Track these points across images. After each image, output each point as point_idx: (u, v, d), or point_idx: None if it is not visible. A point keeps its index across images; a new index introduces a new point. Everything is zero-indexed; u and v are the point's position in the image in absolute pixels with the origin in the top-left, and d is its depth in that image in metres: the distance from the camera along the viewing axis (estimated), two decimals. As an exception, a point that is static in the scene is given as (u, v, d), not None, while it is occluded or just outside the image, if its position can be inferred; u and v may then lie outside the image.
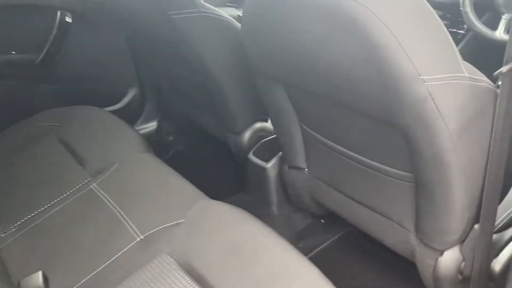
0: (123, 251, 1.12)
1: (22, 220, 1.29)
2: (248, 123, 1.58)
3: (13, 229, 1.27)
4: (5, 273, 1.13)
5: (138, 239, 1.13)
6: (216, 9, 1.35)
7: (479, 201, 0.93)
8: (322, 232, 1.58)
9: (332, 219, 1.54)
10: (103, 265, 1.10)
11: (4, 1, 1.61)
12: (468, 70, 0.82)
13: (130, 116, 2.00)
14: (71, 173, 1.41)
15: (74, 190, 1.34)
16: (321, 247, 1.54)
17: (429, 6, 0.80)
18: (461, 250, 1.03)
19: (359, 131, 1.05)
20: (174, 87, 1.83)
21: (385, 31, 0.77)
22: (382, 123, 0.94)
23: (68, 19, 1.74)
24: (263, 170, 1.51)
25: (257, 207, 1.49)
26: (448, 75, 0.79)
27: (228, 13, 1.47)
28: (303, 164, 1.35)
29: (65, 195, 1.33)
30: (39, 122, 1.66)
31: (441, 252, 1.04)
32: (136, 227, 1.16)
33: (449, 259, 1.04)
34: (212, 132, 1.76)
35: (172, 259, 1.04)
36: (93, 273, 1.09)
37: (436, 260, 1.06)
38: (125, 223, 1.18)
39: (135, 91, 2.01)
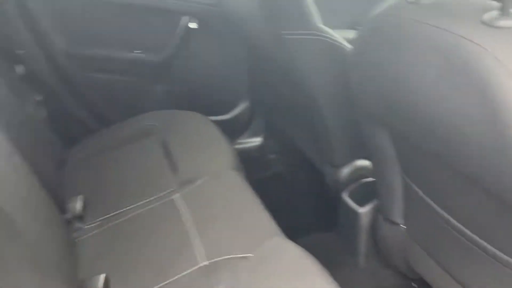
0: (184, 273, 1.06)
1: (105, 217, 1.31)
2: (348, 158, 1.45)
3: (95, 224, 1.30)
4: (75, 265, 1.15)
5: (202, 264, 1.07)
6: (333, 32, 1.24)
7: None
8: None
9: (426, 285, 1.34)
10: (162, 284, 1.06)
11: (133, 2, 1.68)
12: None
13: (236, 128, 1.98)
14: (161, 178, 1.41)
15: (157, 197, 1.33)
16: (408, 315, 1.34)
17: None
18: None
19: (472, 204, 0.86)
20: (282, 106, 1.76)
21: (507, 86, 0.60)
22: (500, 201, 0.75)
23: (192, 25, 1.76)
24: (355, 214, 1.36)
25: (342, 253, 1.35)
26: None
27: (348, 36, 1.35)
28: (399, 220, 1.18)
29: (148, 200, 1.33)
30: (147, 121, 1.71)
31: None
32: (204, 251, 1.10)
33: None
34: (311, 160, 1.65)
35: None
36: (150, 289, 1.05)
37: None
38: (194, 245, 1.13)
39: (245, 104, 1.98)
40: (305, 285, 0.95)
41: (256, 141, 2.04)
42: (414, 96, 0.80)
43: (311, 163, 1.66)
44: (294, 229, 1.21)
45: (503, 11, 0.66)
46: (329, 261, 1.05)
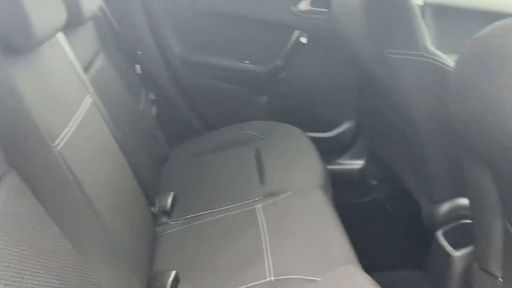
0: (249, 285, 1.05)
1: (190, 216, 1.35)
2: (449, 194, 1.31)
3: (180, 221, 1.35)
4: (151, 257, 1.20)
5: (268, 280, 1.05)
6: (442, 55, 1.14)
7: None
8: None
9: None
10: (225, 292, 1.05)
11: (246, 14, 1.73)
12: None
13: (337, 148, 1.92)
14: (248, 187, 1.42)
15: (241, 204, 1.34)
16: None
17: None
18: None
19: None
20: (385, 129, 1.67)
21: None
22: None
23: (303, 40, 1.76)
24: (448, 257, 1.22)
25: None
26: None
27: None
28: (497, 271, 1.03)
29: (232, 205, 1.34)
30: (246, 130, 1.74)
31: None
32: (273, 266, 1.08)
33: None
34: (409, 191, 1.53)
35: None
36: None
37: None
38: (265, 258, 1.10)
39: (350, 124, 1.92)
40: None
41: (357, 164, 1.95)
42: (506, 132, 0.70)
43: (409, 194, 1.55)
44: (379, 261, 1.13)
45: None
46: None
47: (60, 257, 0.83)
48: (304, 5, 1.75)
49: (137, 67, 1.76)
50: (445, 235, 1.28)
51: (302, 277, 1.03)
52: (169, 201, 1.38)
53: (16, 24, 0.85)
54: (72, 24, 1.20)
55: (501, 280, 1.04)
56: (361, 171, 1.95)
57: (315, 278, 1.01)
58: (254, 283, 1.05)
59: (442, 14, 1.63)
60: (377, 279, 1.01)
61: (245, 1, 1.76)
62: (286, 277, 1.04)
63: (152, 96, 1.85)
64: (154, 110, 1.83)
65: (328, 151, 1.81)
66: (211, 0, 1.79)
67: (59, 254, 0.84)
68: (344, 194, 1.76)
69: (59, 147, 0.90)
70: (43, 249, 0.79)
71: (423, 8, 1.72)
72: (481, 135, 0.82)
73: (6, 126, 0.82)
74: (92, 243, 0.95)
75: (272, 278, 1.05)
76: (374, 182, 1.95)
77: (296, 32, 1.75)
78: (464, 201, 1.30)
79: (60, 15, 1.05)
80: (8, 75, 0.84)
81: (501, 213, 0.95)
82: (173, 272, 1.10)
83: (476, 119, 0.81)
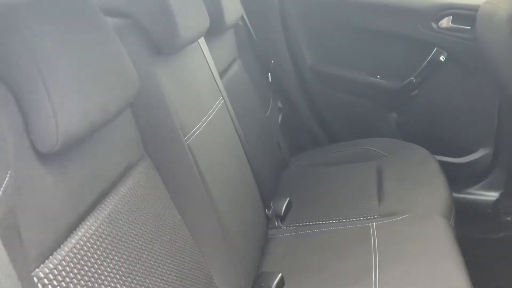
0: None
1: (303, 224, 1.37)
2: None
3: (292, 227, 1.37)
4: (260, 258, 1.24)
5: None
6: None
7: None
8: None
9: None
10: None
11: (382, 29, 1.70)
12: None
13: (469, 176, 1.78)
14: (365, 203, 1.39)
15: (356, 220, 1.32)
16: None
17: None
18: None
19: None
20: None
21: None
22: None
23: (442, 58, 1.67)
24: None
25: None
26: None
27: None
28: None
29: (346, 220, 1.33)
30: (371, 146, 1.70)
31: None
32: (378, 287, 1.04)
33: None
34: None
35: None
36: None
37: None
38: (372, 278, 1.07)
39: (486, 151, 1.76)
40: None
41: (491, 196, 1.79)
42: None
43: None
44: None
45: None
46: None
47: (177, 243, 0.91)
48: (446, 22, 1.66)
49: (269, 75, 1.83)
50: None
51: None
52: (284, 206, 1.41)
53: (165, 29, 0.96)
54: (214, 32, 1.30)
55: None
56: (495, 204, 1.78)
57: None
58: (356, 302, 1.03)
59: None
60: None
61: (383, 15, 1.73)
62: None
63: (279, 104, 1.91)
64: (280, 118, 1.89)
65: (459, 178, 1.68)
66: (348, 14, 1.79)
67: (177, 239, 0.92)
68: (473, 228, 1.63)
69: (189, 141, 0.98)
70: (164, 232, 0.87)
71: None
72: None
73: (147, 117, 0.93)
74: (209, 236, 1.02)
75: (373, 303, 1.01)
76: (509, 218, 1.77)
77: (436, 50, 1.66)
78: None
79: (203, 23, 1.15)
80: (154, 73, 0.95)
81: None
82: (279, 275, 1.12)
83: None
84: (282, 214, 1.39)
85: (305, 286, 1.12)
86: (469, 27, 1.57)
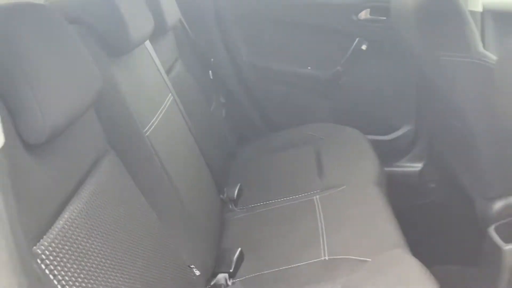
0: (306, 262, 1.17)
1: (254, 205, 1.50)
2: (503, 191, 1.35)
3: (245, 209, 1.49)
4: (221, 237, 1.36)
5: (323, 259, 1.16)
6: (494, 57, 1.21)
7: None
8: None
9: None
10: (286, 267, 1.18)
11: (310, 22, 1.87)
12: None
13: (396, 151, 1.99)
14: (308, 181, 1.54)
15: (301, 196, 1.46)
16: None
17: None
18: None
19: None
20: (442, 132, 1.72)
21: None
22: None
23: (363, 47, 1.86)
24: (499, 251, 1.27)
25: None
26: None
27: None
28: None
29: (293, 196, 1.47)
30: (309, 131, 1.86)
31: None
32: (327, 248, 1.19)
33: None
34: (465, 190, 1.58)
35: None
36: (275, 269, 1.18)
37: None
38: (321, 241, 1.22)
39: (409, 127, 1.98)
40: None
41: (416, 166, 2.01)
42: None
43: (464, 193, 1.59)
44: (433, 256, 1.20)
45: None
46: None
47: (147, 225, 1.00)
48: (364, 14, 1.85)
49: (210, 72, 1.95)
50: (497, 231, 1.33)
51: (353, 257, 1.14)
52: (236, 191, 1.53)
53: (117, 32, 1.06)
54: (157, 34, 1.40)
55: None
56: (420, 173, 2.00)
57: (366, 259, 1.12)
58: (310, 261, 1.17)
59: (501, 19, 1.67)
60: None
61: (309, 10, 1.90)
62: (339, 257, 1.15)
63: (222, 99, 2.03)
64: (224, 112, 2.01)
65: (387, 153, 1.88)
66: (278, 10, 1.95)
67: (147, 223, 1.01)
68: (402, 196, 1.82)
69: (148, 133, 1.08)
70: (134, 216, 0.96)
71: (482, 14, 1.77)
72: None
73: (108, 113, 1.02)
74: (173, 217, 1.12)
75: (326, 258, 1.16)
76: (432, 185, 1.99)
77: (357, 40, 1.85)
78: (516, 200, 1.34)
79: (149, 24, 1.25)
80: (111, 72, 1.04)
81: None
82: (239, 249, 1.24)
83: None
84: (235, 198, 1.51)
85: (263, 257, 1.24)
86: (385, 18, 1.78)
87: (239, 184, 1.56)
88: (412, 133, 1.98)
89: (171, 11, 1.57)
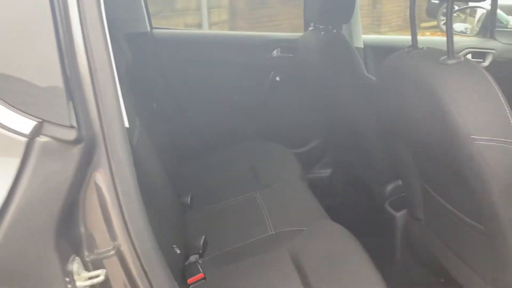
0: (258, 238, 1.53)
1: (206, 207, 1.83)
2: (391, 178, 1.85)
3: (199, 211, 1.83)
4: (184, 234, 1.67)
5: (270, 233, 1.54)
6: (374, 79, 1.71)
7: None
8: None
9: (452, 282, 1.64)
10: (242, 243, 1.53)
11: (233, 60, 2.31)
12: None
13: (310, 160, 2.45)
14: (247, 184, 1.92)
15: (244, 196, 1.83)
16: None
17: (491, 82, 1.02)
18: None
19: (445, 182, 1.26)
20: (343, 140, 2.22)
21: (448, 99, 1.03)
22: (457, 176, 1.14)
23: (277, 79, 2.33)
24: (392, 218, 1.75)
25: (381, 253, 1.72)
26: (497, 139, 0.99)
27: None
28: (421, 215, 1.56)
29: (238, 197, 1.84)
30: (242, 147, 2.25)
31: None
32: (272, 225, 1.57)
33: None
34: (365, 181, 2.06)
35: (288, 254, 1.39)
36: (234, 247, 1.53)
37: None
38: (266, 221, 1.60)
39: (318, 140, 2.46)
40: (340, 247, 1.37)
41: (327, 172, 2.48)
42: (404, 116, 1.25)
43: (365, 184, 2.07)
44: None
45: (449, 55, 1.10)
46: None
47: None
48: (276, 53, 2.34)
49: (154, 104, 2.28)
50: (391, 205, 1.81)
51: (293, 228, 1.53)
52: (189, 199, 1.86)
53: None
54: None
55: (423, 221, 1.56)
56: (329, 178, 2.48)
57: (302, 228, 1.51)
58: (261, 236, 1.54)
59: (377, 52, 2.25)
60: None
61: (234, 50, 2.36)
62: (282, 230, 1.54)
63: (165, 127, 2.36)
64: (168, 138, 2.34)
65: (304, 162, 2.33)
66: (208, 51, 2.37)
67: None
68: (316, 196, 2.25)
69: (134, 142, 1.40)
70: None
71: (364, 49, 2.35)
72: (401, 129, 1.37)
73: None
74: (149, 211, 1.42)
75: (273, 232, 1.54)
76: (339, 186, 2.47)
77: (272, 73, 2.32)
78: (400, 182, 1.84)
79: None
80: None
81: (418, 175, 1.49)
82: (203, 236, 1.57)
83: (389, 114, 1.36)
84: (189, 204, 1.84)
85: (222, 240, 1.58)
86: (292, 55, 2.27)
87: (190, 193, 1.89)
88: (321, 144, 2.46)
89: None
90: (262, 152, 2.18)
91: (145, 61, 2.27)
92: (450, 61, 1.10)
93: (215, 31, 5.49)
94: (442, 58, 1.12)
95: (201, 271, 1.38)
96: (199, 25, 5.73)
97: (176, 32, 2.81)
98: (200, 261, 1.49)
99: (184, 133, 2.44)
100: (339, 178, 2.43)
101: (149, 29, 2.39)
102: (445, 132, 1.07)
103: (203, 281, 1.37)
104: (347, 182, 2.38)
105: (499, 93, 1.02)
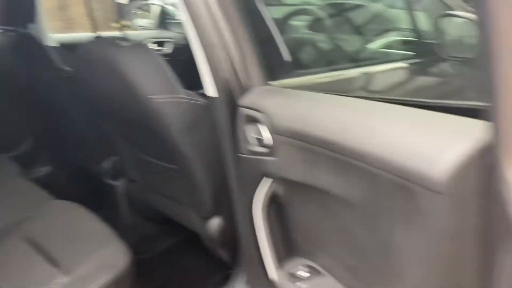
0: None
1: None
2: (106, 155, 2.10)
3: None
4: None
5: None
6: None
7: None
8: (165, 237, 2.04)
9: (172, 226, 1.99)
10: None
11: None
12: (186, 93, 1.38)
13: (26, 162, 2.45)
14: None
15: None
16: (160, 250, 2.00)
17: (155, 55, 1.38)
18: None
19: (146, 141, 1.59)
20: (58, 138, 2.32)
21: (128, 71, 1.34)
22: (151, 132, 1.47)
23: None
24: (114, 187, 2.01)
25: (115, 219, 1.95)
26: (168, 95, 1.35)
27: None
28: (137, 178, 1.87)
29: None
30: None
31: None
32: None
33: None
34: (85, 168, 2.25)
35: (25, 241, 1.44)
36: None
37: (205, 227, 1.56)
38: None
39: (30, 141, 2.47)
40: (80, 221, 1.53)
41: (46, 169, 2.52)
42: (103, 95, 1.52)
43: (85, 168, 2.26)
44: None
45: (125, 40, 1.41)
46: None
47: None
48: None
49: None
50: (110, 178, 2.07)
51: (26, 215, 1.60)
52: None
53: None
54: None
55: (140, 183, 1.87)
56: (52, 174, 2.53)
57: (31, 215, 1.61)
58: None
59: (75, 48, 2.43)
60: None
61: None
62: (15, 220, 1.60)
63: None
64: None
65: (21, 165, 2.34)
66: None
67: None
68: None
69: None
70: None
71: (60, 48, 2.48)
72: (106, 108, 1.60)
73: None
74: None
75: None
76: (64, 178, 2.55)
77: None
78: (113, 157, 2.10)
79: None
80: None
81: (127, 145, 1.78)
82: None
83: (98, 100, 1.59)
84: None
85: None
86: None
87: None
88: (36, 144, 2.49)
89: None
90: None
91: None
92: (125, 44, 1.41)
93: None
94: (118, 42, 1.42)
95: None
96: None
97: None
98: None
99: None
100: (62, 173, 2.53)
101: None
102: (132, 98, 1.37)
103: None
104: (70, 173, 2.51)
105: (162, 63, 1.38)
